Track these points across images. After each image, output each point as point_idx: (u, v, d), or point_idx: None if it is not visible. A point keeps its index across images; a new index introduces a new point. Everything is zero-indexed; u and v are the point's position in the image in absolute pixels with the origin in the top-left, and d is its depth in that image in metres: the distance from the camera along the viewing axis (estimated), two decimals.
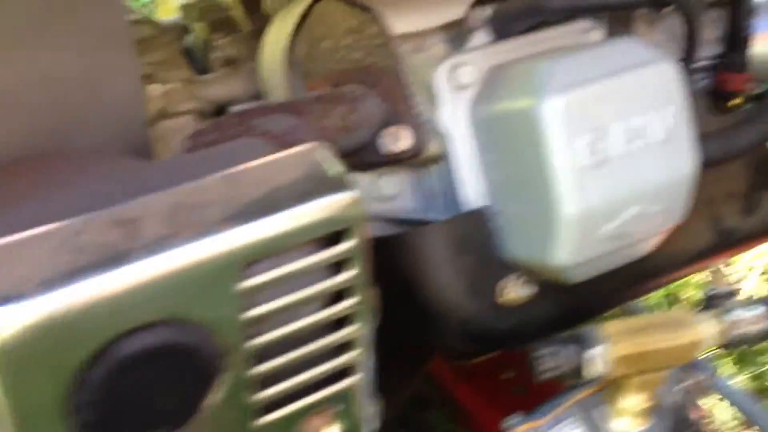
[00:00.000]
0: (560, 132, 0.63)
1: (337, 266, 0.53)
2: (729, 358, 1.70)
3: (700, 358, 0.82)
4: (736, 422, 1.62)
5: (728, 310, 0.68)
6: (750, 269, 1.72)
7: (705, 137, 0.72)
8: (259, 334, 0.51)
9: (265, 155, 0.52)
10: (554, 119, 0.63)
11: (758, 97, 0.86)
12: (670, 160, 0.68)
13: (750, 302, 0.69)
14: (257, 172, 0.50)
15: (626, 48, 0.69)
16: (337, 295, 0.54)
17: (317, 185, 0.51)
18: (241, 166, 0.50)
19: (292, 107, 0.69)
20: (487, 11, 0.76)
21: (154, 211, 0.45)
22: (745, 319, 0.67)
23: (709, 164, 0.73)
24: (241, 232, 0.47)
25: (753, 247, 0.91)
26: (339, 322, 0.55)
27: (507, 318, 0.73)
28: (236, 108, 0.86)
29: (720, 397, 1.58)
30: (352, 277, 0.53)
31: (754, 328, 0.67)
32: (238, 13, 0.95)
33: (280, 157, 0.52)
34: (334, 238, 0.52)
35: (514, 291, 0.73)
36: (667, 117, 0.67)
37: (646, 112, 0.66)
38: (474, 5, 0.77)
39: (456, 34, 0.77)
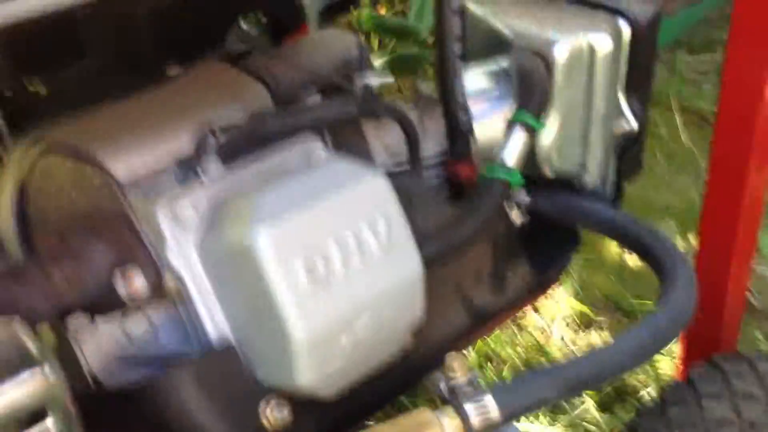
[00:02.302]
0: (274, 260, 0.65)
1: None
2: None
3: None
4: None
5: (463, 402, 0.70)
6: (553, 318, 1.80)
7: (424, 238, 0.75)
8: None
9: None
10: (266, 249, 0.65)
11: None
12: (391, 266, 0.71)
13: (476, 393, 0.71)
14: None
15: (334, 169, 0.72)
16: None
17: (11, 363, 0.49)
18: None
19: (12, 275, 0.67)
20: (212, 143, 0.78)
21: None
22: (476, 411, 0.70)
23: (433, 262, 0.76)
24: None
25: (507, 319, 0.96)
26: None
27: None
28: None
29: None
30: None
31: (483, 420, 0.69)
32: None
33: None
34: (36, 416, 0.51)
35: (276, 414, 0.73)
36: (380, 227, 0.70)
37: (357, 227, 0.69)
38: (201, 137, 0.79)
39: (186, 169, 0.78)
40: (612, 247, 1.94)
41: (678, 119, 2.36)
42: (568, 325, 1.78)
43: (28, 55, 0.84)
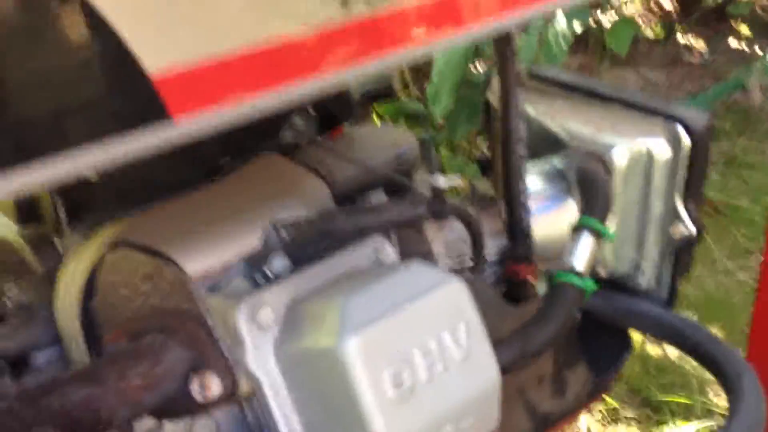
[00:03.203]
0: (363, 371, 0.64)
1: None
2: None
3: None
4: None
5: None
6: None
7: (501, 344, 0.75)
8: None
9: None
10: (356, 359, 0.64)
11: None
12: (472, 374, 0.70)
13: None
14: None
15: (413, 273, 0.71)
16: None
17: None
18: None
19: (86, 375, 0.66)
20: (281, 239, 0.77)
21: None
22: None
23: (509, 370, 0.75)
24: None
25: (571, 422, 0.94)
26: None
27: None
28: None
29: None
30: None
31: None
32: (27, 254, 0.92)
33: None
34: None
35: None
36: (461, 334, 0.69)
37: (440, 334, 0.68)
38: (267, 234, 0.78)
39: (254, 264, 0.77)
40: (633, 338, 1.93)
41: None
42: (596, 419, 1.76)
43: None
